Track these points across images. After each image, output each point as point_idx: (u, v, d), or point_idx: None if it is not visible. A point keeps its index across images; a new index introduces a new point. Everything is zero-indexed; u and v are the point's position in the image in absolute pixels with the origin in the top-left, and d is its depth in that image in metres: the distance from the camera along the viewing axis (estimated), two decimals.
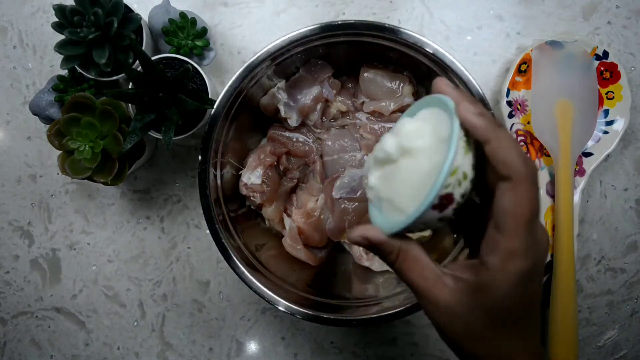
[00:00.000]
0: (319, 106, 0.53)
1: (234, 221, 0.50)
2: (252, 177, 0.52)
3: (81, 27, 0.47)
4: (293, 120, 0.53)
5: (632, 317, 0.59)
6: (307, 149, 0.55)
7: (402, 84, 0.52)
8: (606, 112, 0.56)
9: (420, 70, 0.49)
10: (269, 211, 0.53)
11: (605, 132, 0.56)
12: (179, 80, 0.46)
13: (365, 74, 0.53)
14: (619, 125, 0.55)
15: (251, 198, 0.53)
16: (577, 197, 0.55)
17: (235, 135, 0.50)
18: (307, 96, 0.52)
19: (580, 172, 0.55)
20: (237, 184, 0.53)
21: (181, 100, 0.47)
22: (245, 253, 0.49)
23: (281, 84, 0.52)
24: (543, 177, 0.55)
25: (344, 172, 0.53)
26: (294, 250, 0.52)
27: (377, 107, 0.53)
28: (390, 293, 0.49)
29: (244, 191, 0.53)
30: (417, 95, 0.54)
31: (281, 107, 0.52)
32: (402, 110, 0.53)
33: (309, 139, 0.55)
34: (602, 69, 0.55)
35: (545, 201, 0.55)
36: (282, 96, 0.52)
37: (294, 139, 0.55)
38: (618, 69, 0.55)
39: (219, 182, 0.48)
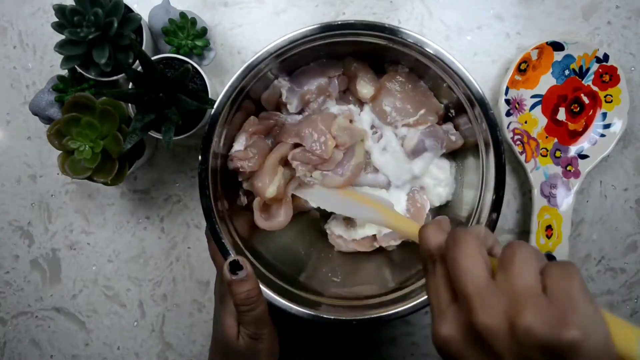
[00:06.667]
0: (321, 99, 0.52)
1: (235, 221, 0.50)
2: (236, 145, 0.50)
3: (81, 27, 0.47)
4: (293, 107, 0.51)
5: (632, 317, 0.59)
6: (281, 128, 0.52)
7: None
8: (604, 115, 0.56)
9: (422, 71, 0.49)
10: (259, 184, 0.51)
11: (602, 135, 0.56)
12: (179, 80, 0.46)
13: (388, 84, 0.52)
14: (616, 128, 0.55)
15: (240, 170, 0.50)
16: (571, 199, 0.55)
17: (235, 135, 0.50)
18: (313, 85, 0.51)
19: (575, 173, 0.56)
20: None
21: (181, 100, 0.47)
22: (245, 253, 0.49)
23: (284, 80, 0.51)
24: (538, 177, 0.55)
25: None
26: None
27: (361, 95, 0.52)
28: (385, 289, 0.49)
29: (231, 165, 0.50)
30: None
31: (284, 92, 0.51)
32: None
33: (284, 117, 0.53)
34: (601, 71, 0.55)
35: (539, 201, 0.55)
36: (285, 84, 0.51)
37: (282, 116, 0.53)
38: (618, 73, 0.55)
39: (218, 182, 0.48)
